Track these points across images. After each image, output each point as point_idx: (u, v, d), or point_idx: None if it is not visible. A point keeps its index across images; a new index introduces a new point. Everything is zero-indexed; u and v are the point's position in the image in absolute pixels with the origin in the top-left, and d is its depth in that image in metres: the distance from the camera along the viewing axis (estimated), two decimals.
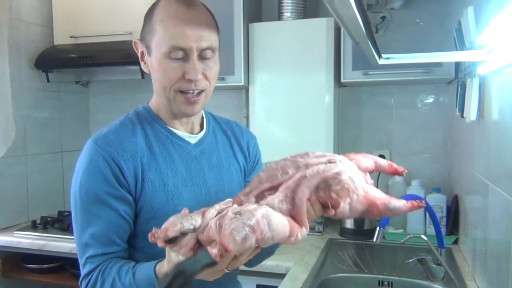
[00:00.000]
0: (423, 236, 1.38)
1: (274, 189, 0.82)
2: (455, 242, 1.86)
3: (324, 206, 0.80)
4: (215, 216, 0.75)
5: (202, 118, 1.11)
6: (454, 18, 1.71)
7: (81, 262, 0.96)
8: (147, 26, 0.97)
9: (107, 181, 0.93)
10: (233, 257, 0.73)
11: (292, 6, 2.10)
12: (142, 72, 2.20)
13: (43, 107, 2.41)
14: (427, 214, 1.94)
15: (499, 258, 1.16)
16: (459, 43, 1.56)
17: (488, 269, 1.29)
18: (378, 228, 1.36)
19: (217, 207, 0.77)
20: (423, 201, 0.85)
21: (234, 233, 0.68)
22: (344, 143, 2.29)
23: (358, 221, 1.96)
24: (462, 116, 1.51)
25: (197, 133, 1.08)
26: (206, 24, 0.95)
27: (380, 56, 1.23)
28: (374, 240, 1.35)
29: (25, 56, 2.29)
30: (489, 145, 1.26)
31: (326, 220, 2.14)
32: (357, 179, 0.82)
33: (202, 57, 0.95)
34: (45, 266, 2.10)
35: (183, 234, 0.74)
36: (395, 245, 1.85)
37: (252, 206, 0.73)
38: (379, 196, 0.82)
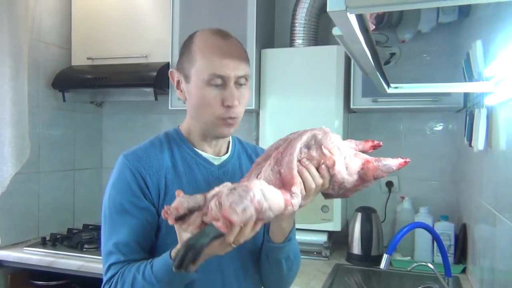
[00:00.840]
0: (429, 265, 1.38)
1: None
2: (463, 271, 1.85)
3: (318, 170, 0.86)
4: (214, 195, 0.82)
5: (229, 142, 1.17)
6: (463, 50, 1.75)
7: (104, 269, 1.01)
8: (186, 56, 1.04)
9: (132, 192, 1.00)
10: (239, 230, 0.79)
11: (304, 33, 2.15)
12: (156, 94, 2.25)
13: (58, 125, 2.47)
14: (435, 242, 1.93)
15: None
16: (468, 74, 1.58)
17: None
18: (385, 255, 1.36)
19: (216, 189, 0.84)
20: (409, 160, 0.92)
21: (233, 205, 0.74)
22: None
23: (365, 247, 1.96)
24: (470, 145, 1.52)
25: (223, 155, 1.13)
26: (241, 55, 1.03)
27: (388, 85, 1.26)
28: (381, 267, 1.36)
29: (43, 75, 2.36)
30: (497, 175, 1.27)
31: (333, 245, 2.13)
32: (344, 142, 0.90)
33: (237, 84, 1.02)
34: (53, 283, 2.11)
35: (191, 212, 0.82)
36: (402, 272, 1.84)
37: (246, 182, 0.80)
38: (371, 157, 0.89)
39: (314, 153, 0.86)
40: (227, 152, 1.14)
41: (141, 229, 1.00)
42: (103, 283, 1.01)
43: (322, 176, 0.87)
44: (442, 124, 2.22)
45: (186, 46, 1.05)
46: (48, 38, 2.40)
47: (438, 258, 1.91)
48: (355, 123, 2.31)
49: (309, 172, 0.86)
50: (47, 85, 2.38)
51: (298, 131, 0.94)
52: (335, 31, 0.68)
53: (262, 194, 0.76)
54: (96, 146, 2.77)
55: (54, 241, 2.18)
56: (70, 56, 2.49)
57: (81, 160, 2.64)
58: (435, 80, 1.46)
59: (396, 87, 1.29)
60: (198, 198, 0.83)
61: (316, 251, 2.04)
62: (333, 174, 0.86)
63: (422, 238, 1.94)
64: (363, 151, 0.94)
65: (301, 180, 0.85)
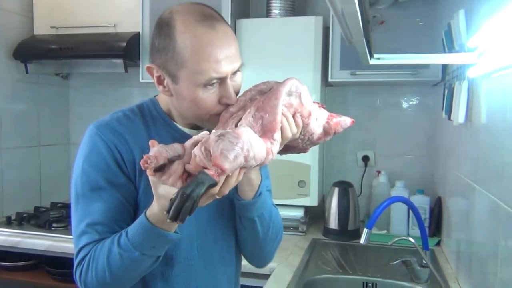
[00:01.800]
0: (410, 239, 1.38)
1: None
2: (438, 244, 1.87)
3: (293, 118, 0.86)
4: (195, 144, 0.78)
5: None
6: (443, 21, 1.72)
7: (75, 252, 0.92)
8: (170, 54, 0.87)
9: (109, 168, 0.91)
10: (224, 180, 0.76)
11: (280, 3, 2.08)
12: (126, 66, 2.14)
13: (20, 99, 2.33)
14: (410, 216, 1.94)
15: (485, 261, 1.16)
16: (448, 45, 1.56)
17: (474, 271, 1.29)
18: (365, 229, 1.35)
19: (195, 137, 0.80)
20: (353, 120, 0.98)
21: (225, 152, 0.70)
22: (329, 143, 2.27)
23: (342, 222, 1.96)
24: (449, 118, 1.51)
25: (203, 129, 1.03)
26: (233, 41, 0.90)
27: (371, 56, 1.22)
28: (361, 241, 1.34)
29: (2, 45, 2.21)
30: (477, 148, 1.26)
31: (310, 220, 2.12)
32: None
33: (232, 75, 0.91)
34: (20, 264, 2.03)
35: (170, 161, 0.77)
36: (379, 246, 1.85)
37: (232, 129, 0.77)
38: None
39: (293, 101, 0.85)
40: None
41: (118, 207, 0.91)
42: (74, 267, 0.92)
43: (296, 125, 0.87)
44: (418, 98, 2.22)
45: (166, 37, 0.88)
46: (7, 5, 2.24)
47: (413, 232, 1.93)
48: (332, 97, 2.27)
49: (287, 120, 0.84)
50: (8, 56, 2.23)
51: (268, 81, 0.91)
52: None
53: (249, 142, 0.73)
54: (63, 120, 2.64)
55: (20, 220, 2.09)
56: (32, 24, 2.33)
57: (47, 136, 2.51)
58: (413, 51, 1.43)
59: (379, 58, 1.25)
60: (176, 147, 0.78)
61: (293, 226, 2.03)
62: (307, 124, 0.88)
63: (398, 211, 1.94)
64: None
65: None
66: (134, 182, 0.93)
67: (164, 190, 0.77)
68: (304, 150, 0.93)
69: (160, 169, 0.76)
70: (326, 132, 0.91)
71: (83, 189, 0.92)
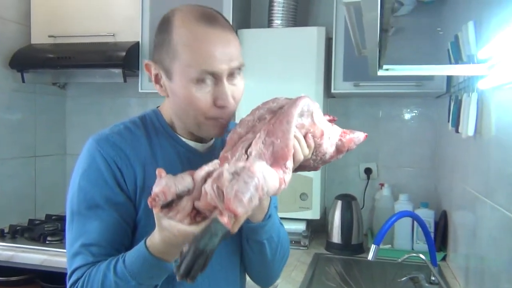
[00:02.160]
0: (421, 255, 1.33)
1: None
2: (443, 259, 1.83)
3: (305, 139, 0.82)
4: (205, 177, 0.72)
5: None
6: (449, 32, 1.70)
7: (68, 273, 0.87)
8: (165, 47, 0.86)
9: (107, 185, 0.86)
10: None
11: (282, 13, 2.06)
12: (125, 76, 2.11)
13: (16, 109, 2.28)
14: (415, 230, 1.90)
15: (499, 278, 1.12)
16: (455, 56, 1.54)
17: None
18: (373, 246, 1.31)
19: (205, 168, 0.73)
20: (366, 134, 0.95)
21: (239, 195, 0.64)
22: None
23: (345, 236, 1.91)
24: (456, 131, 1.48)
25: (208, 142, 0.99)
26: (233, 42, 0.86)
27: (380, 67, 1.18)
28: (369, 258, 1.30)
29: None
30: (488, 162, 1.23)
31: (312, 233, 2.08)
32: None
33: (230, 77, 0.86)
34: (13, 278, 1.96)
35: (179, 197, 0.70)
36: (384, 261, 1.80)
37: (243, 163, 0.70)
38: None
39: (305, 121, 0.81)
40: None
41: (116, 228, 0.86)
42: None
43: (308, 146, 0.82)
44: (421, 110, 2.19)
45: (163, 33, 0.87)
46: (4, 13, 2.20)
47: (418, 246, 1.89)
48: (334, 108, 2.24)
49: (298, 142, 0.80)
50: (4, 65, 2.18)
51: (277, 98, 0.87)
52: None
53: (264, 178, 0.68)
54: (59, 130, 2.59)
55: (13, 233, 2.02)
56: (29, 33, 2.29)
57: (43, 146, 2.46)
58: (417, 62, 1.40)
59: (387, 69, 1.22)
60: (187, 180, 0.71)
61: (295, 241, 1.98)
62: (319, 145, 0.83)
63: (402, 226, 1.90)
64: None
65: None
66: (134, 201, 0.88)
67: (169, 223, 0.72)
68: (315, 168, 0.88)
69: (167, 205, 0.70)
70: (339, 150, 0.87)
71: (79, 206, 0.87)
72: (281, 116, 0.78)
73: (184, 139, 0.95)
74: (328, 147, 0.84)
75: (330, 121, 0.92)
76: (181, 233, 0.71)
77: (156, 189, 0.69)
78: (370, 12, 0.58)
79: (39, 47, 2.25)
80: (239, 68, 0.88)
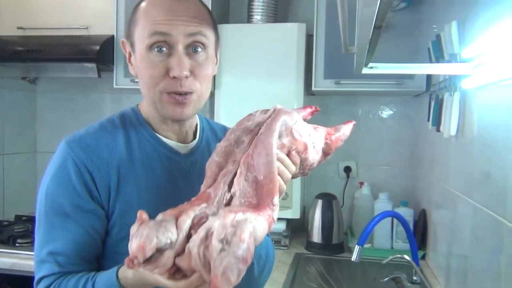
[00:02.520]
0: (406, 257, 1.33)
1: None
2: (422, 257, 1.83)
3: (289, 157, 0.76)
4: (191, 227, 0.65)
5: (197, 125, 0.98)
6: (428, 31, 1.70)
7: (35, 280, 0.83)
8: (131, 20, 0.86)
9: (76, 191, 0.81)
10: None
11: (262, 9, 2.02)
12: (99, 70, 2.03)
13: None
14: (394, 229, 1.90)
15: (482, 277, 1.12)
16: (436, 55, 1.54)
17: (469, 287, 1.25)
18: (357, 246, 1.29)
19: (191, 214, 0.66)
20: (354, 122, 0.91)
21: (228, 274, 0.57)
22: None
23: (326, 235, 1.89)
24: (438, 130, 1.48)
25: (190, 142, 0.94)
26: (195, 13, 0.83)
27: (365, 65, 1.16)
28: (353, 259, 1.29)
29: None
30: (471, 161, 1.23)
31: (292, 233, 2.05)
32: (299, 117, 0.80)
33: (190, 52, 0.82)
34: None
35: (159, 251, 0.62)
36: (364, 261, 1.79)
37: (230, 218, 0.62)
38: (328, 127, 0.84)
39: (285, 140, 0.74)
40: (194, 138, 0.96)
41: (85, 237, 0.81)
42: None
43: (294, 164, 0.77)
44: (400, 108, 2.19)
45: (133, 9, 0.87)
46: None
47: (397, 245, 1.90)
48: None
49: (283, 163, 0.74)
50: None
51: (252, 114, 0.80)
52: None
53: (255, 238, 0.61)
54: (29, 127, 2.48)
55: None
56: None
57: (12, 144, 2.35)
58: (397, 60, 1.39)
59: (371, 67, 1.20)
60: (170, 230, 0.63)
61: (275, 240, 1.95)
62: (305, 158, 0.78)
63: (381, 224, 1.87)
64: (304, 120, 0.86)
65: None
66: (107, 206, 0.83)
67: (144, 270, 0.66)
68: (304, 175, 0.84)
69: (147, 260, 0.63)
70: (326, 153, 0.82)
71: (46, 212, 0.82)
72: (259, 146, 0.72)
73: (164, 139, 0.91)
74: (315, 156, 0.79)
75: (312, 113, 0.88)
76: (157, 282, 0.67)
77: (134, 244, 0.61)
78: (369, 7, 0.55)
79: (7, 39, 2.14)
80: (202, 43, 0.83)
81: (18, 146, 2.39)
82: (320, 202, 1.93)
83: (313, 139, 0.78)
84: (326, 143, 0.81)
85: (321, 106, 2.25)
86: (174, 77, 0.81)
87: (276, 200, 0.69)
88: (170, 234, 0.63)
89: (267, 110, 0.79)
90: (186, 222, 0.64)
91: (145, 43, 0.81)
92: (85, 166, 0.82)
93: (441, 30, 1.44)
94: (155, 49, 0.81)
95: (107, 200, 0.83)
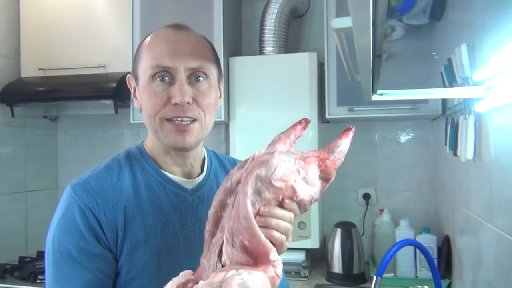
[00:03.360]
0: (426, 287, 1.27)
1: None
2: (448, 286, 1.76)
3: (282, 206, 0.69)
4: None
5: (204, 159, 0.98)
6: (442, 55, 1.69)
7: None
8: (136, 56, 0.89)
9: (82, 236, 0.80)
10: None
11: (273, 40, 2.05)
12: (116, 107, 2.08)
13: (6, 143, 2.24)
14: (417, 256, 1.85)
15: None
16: (448, 79, 1.52)
17: None
18: (375, 277, 1.25)
19: (175, 280, 0.63)
20: (352, 127, 0.82)
21: None
22: None
23: (347, 266, 1.85)
24: (455, 154, 1.44)
25: (197, 177, 0.94)
26: (196, 45, 0.86)
27: (374, 92, 1.16)
28: None
29: None
30: (490, 186, 1.19)
31: (312, 263, 2.01)
32: (286, 154, 0.72)
33: (192, 81, 0.84)
34: None
35: None
36: None
37: (220, 276, 0.59)
38: (320, 150, 0.74)
39: (267, 194, 0.68)
40: (202, 172, 0.96)
41: (94, 282, 0.80)
42: None
43: (290, 210, 0.70)
44: (417, 133, 2.16)
45: (138, 46, 0.91)
46: None
47: (421, 273, 1.84)
48: (329, 134, 2.21)
49: (276, 217, 0.68)
50: None
51: (231, 171, 0.75)
52: (337, 23, 0.56)
53: None
54: (51, 164, 2.54)
55: (3, 273, 1.95)
56: (19, 67, 2.27)
57: (34, 181, 2.41)
58: (411, 86, 1.38)
59: (381, 94, 1.19)
60: None
61: (294, 271, 1.91)
62: (300, 200, 0.71)
63: (404, 252, 1.84)
64: (298, 137, 0.83)
65: (272, 234, 0.68)
66: (114, 248, 0.82)
67: None
68: (306, 210, 0.75)
69: None
70: (325, 179, 0.74)
71: (54, 258, 0.81)
72: (236, 210, 0.67)
73: (170, 175, 0.91)
74: (310, 191, 0.72)
75: (303, 128, 0.85)
76: None
77: None
78: (363, 38, 0.55)
79: (29, 80, 2.23)
80: (205, 74, 0.85)
81: (41, 182, 2.45)
82: (339, 231, 1.90)
83: (304, 174, 0.71)
84: (321, 171, 0.73)
85: (337, 134, 2.24)
86: (176, 104, 0.82)
87: (274, 255, 0.64)
88: None
89: (246, 162, 0.74)
90: None
91: (147, 73, 0.84)
92: (90, 210, 0.81)
93: (452, 54, 1.43)
94: (158, 79, 0.83)
95: (114, 242, 0.82)
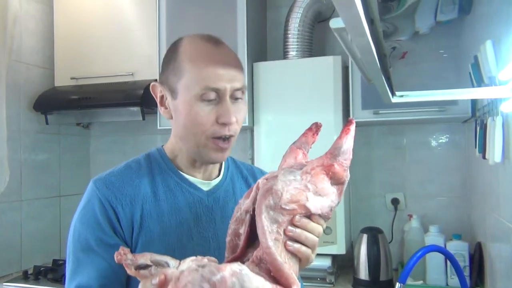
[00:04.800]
0: None
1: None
2: None
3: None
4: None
5: (221, 163, 1.01)
6: (469, 53, 1.63)
7: None
8: (171, 66, 0.88)
9: (100, 227, 0.85)
10: None
11: (297, 44, 2.04)
12: (143, 113, 2.13)
13: (41, 150, 2.33)
14: (448, 263, 1.78)
15: None
16: (476, 79, 1.46)
17: None
18: (398, 284, 1.21)
19: (199, 257, 0.65)
20: (352, 120, 0.80)
21: (188, 286, 0.55)
22: (355, 185, 2.16)
23: (373, 272, 1.80)
24: (484, 157, 1.39)
25: (213, 179, 0.97)
26: (236, 64, 0.89)
27: (393, 94, 1.13)
28: None
29: (24, 98, 2.24)
30: None
31: (338, 269, 1.98)
32: (291, 172, 0.72)
33: (233, 98, 0.87)
34: None
35: (156, 264, 0.65)
36: None
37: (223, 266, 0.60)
38: (323, 157, 0.72)
39: (282, 218, 0.67)
40: (219, 175, 0.98)
41: (109, 272, 0.84)
42: None
43: (317, 223, 0.70)
44: (448, 135, 2.09)
45: (171, 55, 0.90)
46: (29, 59, 2.29)
47: (453, 281, 1.77)
48: (355, 137, 2.17)
49: (306, 230, 0.69)
50: (29, 108, 2.25)
51: (240, 202, 0.76)
52: (334, 23, 0.55)
53: (240, 284, 0.57)
54: (84, 170, 2.62)
55: (37, 275, 2.03)
56: (53, 76, 2.37)
57: (68, 186, 2.49)
58: (439, 87, 1.34)
59: (402, 96, 1.16)
60: (170, 260, 0.66)
61: (320, 277, 1.88)
62: (320, 214, 0.70)
63: (434, 259, 1.79)
64: (312, 143, 0.83)
65: (300, 249, 0.69)
66: (130, 240, 0.86)
67: None
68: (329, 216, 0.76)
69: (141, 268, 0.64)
70: (339, 184, 0.73)
71: (74, 248, 0.86)
72: (260, 248, 0.67)
73: (187, 176, 0.93)
74: (324, 202, 0.70)
75: (314, 134, 0.84)
76: None
77: None
78: (360, 37, 0.54)
79: (62, 89, 2.32)
80: (242, 92, 0.88)
81: (74, 187, 2.53)
82: (365, 236, 1.86)
83: (314, 188, 0.70)
84: (331, 178, 0.72)
85: (363, 138, 2.22)
86: (223, 124, 0.85)
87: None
88: (169, 260, 0.66)
89: (251, 191, 0.74)
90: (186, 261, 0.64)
91: (193, 92, 0.84)
92: (109, 202, 0.85)
93: (478, 51, 1.38)
94: (205, 98, 0.84)
95: (130, 235, 0.86)
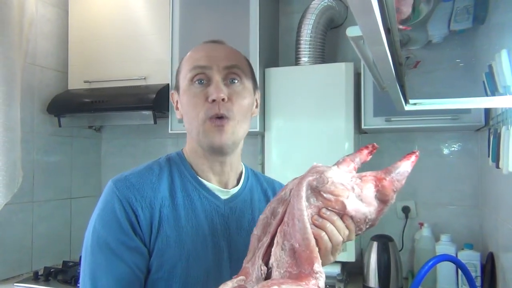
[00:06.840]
0: None
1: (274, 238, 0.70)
2: None
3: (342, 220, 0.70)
4: None
5: (241, 173, 1.00)
6: (483, 62, 1.62)
7: None
8: (177, 71, 0.97)
9: (121, 228, 0.83)
10: None
11: (309, 51, 2.04)
12: (155, 117, 2.14)
13: (53, 152, 2.36)
14: (459, 273, 1.76)
15: None
16: (490, 88, 1.45)
17: None
18: None
19: (229, 284, 0.64)
20: (417, 151, 0.81)
21: None
22: None
23: (383, 280, 1.79)
24: (497, 166, 1.38)
25: (232, 188, 0.96)
26: (231, 51, 0.93)
27: (407, 102, 1.13)
28: None
29: (38, 100, 2.27)
30: None
31: (347, 277, 1.97)
32: (342, 171, 0.73)
33: (227, 83, 0.89)
34: None
35: None
36: None
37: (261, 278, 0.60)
38: (378, 171, 0.74)
39: (317, 203, 0.69)
40: (237, 184, 0.97)
41: (128, 275, 0.82)
42: None
43: (347, 225, 0.70)
44: (460, 144, 2.08)
45: (180, 62, 0.98)
46: (44, 62, 2.32)
47: None
48: (365, 144, 2.16)
49: (333, 224, 0.68)
50: (42, 110, 2.28)
51: (288, 184, 0.76)
52: (351, 31, 0.55)
53: None
54: (95, 172, 2.65)
55: (47, 276, 2.04)
56: (67, 79, 2.40)
57: (79, 188, 2.51)
58: (452, 95, 1.33)
59: (415, 104, 1.16)
60: None
61: (329, 285, 1.87)
62: (352, 216, 0.70)
63: (445, 269, 1.77)
64: (363, 162, 0.81)
65: (321, 235, 0.68)
66: (148, 244, 0.85)
67: None
68: (371, 226, 0.76)
69: None
70: (382, 200, 0.72)
71: (92, 249, 0.84)
72: (290, 213, 0.69)
73: (206, 182, 0.93)
74: (364, 210, 0.70)
75: (370, 153, 0.84)
76: None
77: None
78: (376, 45, 0.54)
79: (76, 92, 2.34)
80: (238, 75, 0.90)
81: (85, 190, 2.55)
82: (375, 244, 1.85)
83: (359, 192, 0.71)
84: (377, 191, 0.72)
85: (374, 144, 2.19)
86: (213, 101, 0.86)
87: (318, 267, 0.64)
88: None
89: (303, 176, 0.74)
90: None
91: (187, 78, 0.90)
92: (129, 203, 0.84)
93: (492, 60, 1.37)
94: (196, 82, 0.89)
95: (148, 238, 0.84)
